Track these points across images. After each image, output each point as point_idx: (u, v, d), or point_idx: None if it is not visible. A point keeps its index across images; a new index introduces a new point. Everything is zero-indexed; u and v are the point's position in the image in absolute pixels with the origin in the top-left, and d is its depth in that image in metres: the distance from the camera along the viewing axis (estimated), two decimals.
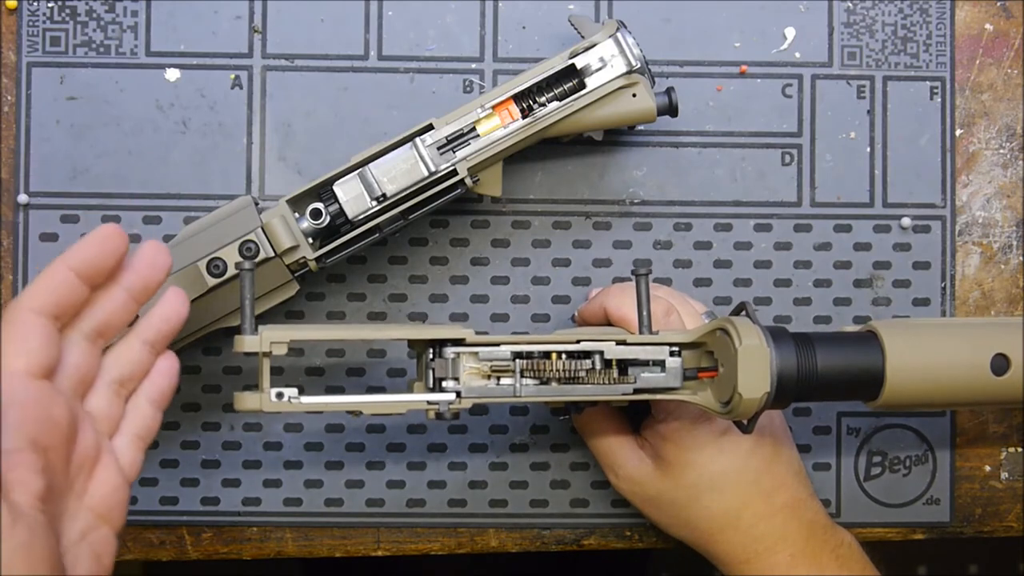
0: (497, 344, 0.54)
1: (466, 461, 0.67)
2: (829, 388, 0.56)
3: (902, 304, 0.68)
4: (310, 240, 0.60)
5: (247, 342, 0.51)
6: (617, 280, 0.67)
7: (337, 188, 0.59)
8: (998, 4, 0.69)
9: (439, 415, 0.53)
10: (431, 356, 0.54)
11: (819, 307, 0.68)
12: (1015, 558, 1.45)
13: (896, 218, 0.68)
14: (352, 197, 0.59)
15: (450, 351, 0.54)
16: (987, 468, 0.69)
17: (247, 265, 0.51)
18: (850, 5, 0.68)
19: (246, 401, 0.51)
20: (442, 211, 0.65)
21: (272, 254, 0.59)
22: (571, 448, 0.68)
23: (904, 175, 0.68)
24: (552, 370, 0.54)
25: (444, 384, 0.54)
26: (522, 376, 0.54)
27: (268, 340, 0.51)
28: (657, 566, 1.36)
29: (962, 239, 0.69)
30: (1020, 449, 0.69)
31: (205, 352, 0.66)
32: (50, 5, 0.66)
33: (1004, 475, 0.69)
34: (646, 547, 0.68)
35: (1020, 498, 0.69)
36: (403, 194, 0.59)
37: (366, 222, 0.60)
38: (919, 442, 0.69)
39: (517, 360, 0.54)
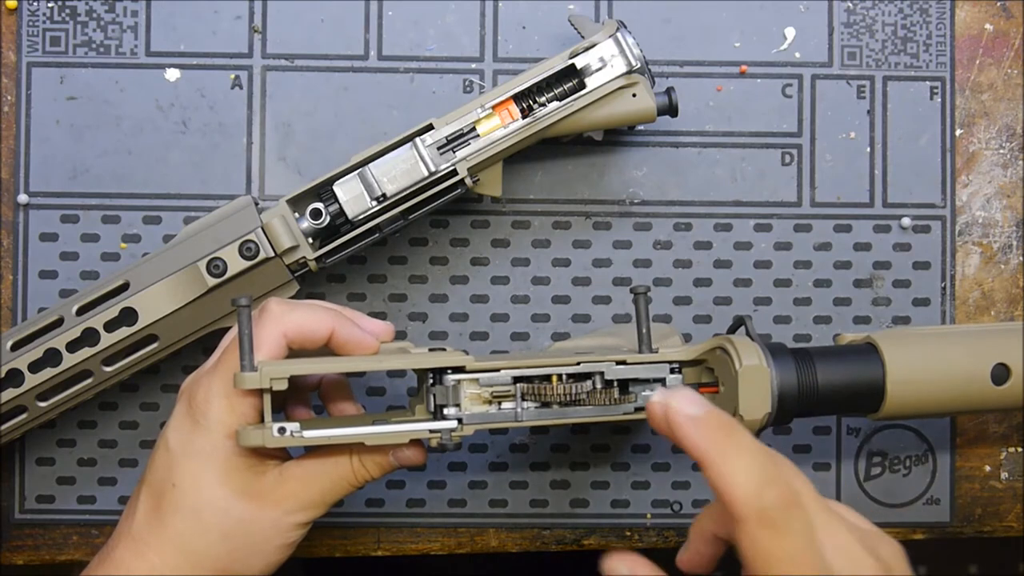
0: (497, 369, 0.54)
1: (466, 461, 0.67)
2: (830, 404, 0.56)
3: (902, 304, 0.68)
4: (310, 240, 0.60)
5: (247, 379, 0.51)
6: (617, 281, 0.67)
7: (337, 188, 0.59)
8: (998, 4, 0.69)
9: (441, 445, 0.53)
10: (431, 381, 0.54)
11: (819, 307, 0.68)
12: (1015, 558, 1.45)
13: (896, 218, 0.68)
14: (352, 197, 0.59)
15: (450, 378, 0.53)
16: (987, 468, 0.69)
17: (243, 301, 0.51)
18: (850, 5, 0.68)
19: (250, 437, 0.51)
20: (442, 211, 0.65)
21: (272, 254, 0.59)
22: (571, 448, 0.68)
23: (904, 175, 0.68)
24: (553, 393, 0.54)
25: (445, 411, 0.53)
26: (523, 399, 0.54)
27: (268, 376, 0.51)
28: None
29: (962, 239, 0.69)
30: (1020, 449, 0.69)
31: (205, 352, 0.66)
32: (50, 5, 0.66)
33: (1004, 475, 0.69)
34: (646, 547, 0.68)
35: (1020, 498, 0.69)
36: (403, 194, 0.59)
37: (366, 222, 0.60)
38: (919, 442, 0.69)
39: (518, 384, 0.54)
